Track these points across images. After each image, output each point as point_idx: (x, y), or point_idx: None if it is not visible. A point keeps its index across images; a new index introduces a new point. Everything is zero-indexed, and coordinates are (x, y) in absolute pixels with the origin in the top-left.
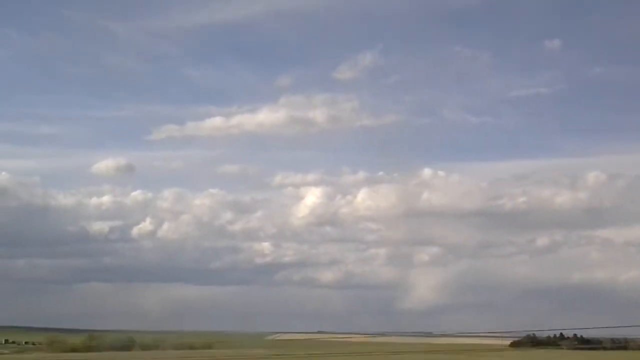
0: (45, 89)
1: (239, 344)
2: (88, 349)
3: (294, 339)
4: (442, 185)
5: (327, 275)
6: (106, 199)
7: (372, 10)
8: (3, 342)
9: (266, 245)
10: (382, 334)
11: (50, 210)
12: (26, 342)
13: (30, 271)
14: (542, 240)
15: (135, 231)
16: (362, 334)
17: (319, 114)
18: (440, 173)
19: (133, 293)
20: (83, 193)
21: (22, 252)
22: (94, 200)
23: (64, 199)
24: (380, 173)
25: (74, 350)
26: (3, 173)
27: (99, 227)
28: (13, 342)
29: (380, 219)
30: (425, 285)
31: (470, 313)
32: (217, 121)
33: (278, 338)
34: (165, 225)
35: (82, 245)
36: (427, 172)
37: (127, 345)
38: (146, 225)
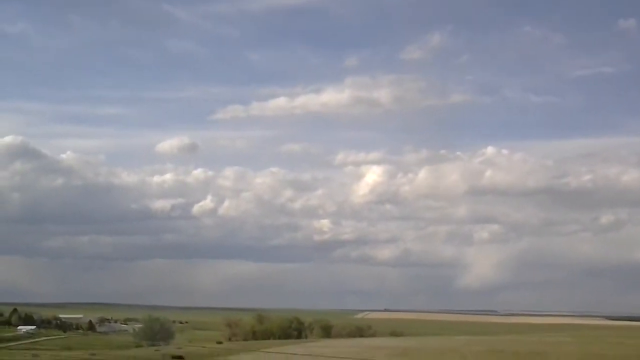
0: (110, 72)
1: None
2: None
3: (381, 317)
4: (506, 163)
5: (385, 253)
6: (169, 177)
7: None
8: None
9: (325, 223)
10: (446, 312)
11: (114, 189)
12: (173, 321)
13: (94, 248)
14: (607, 218)
15: (196, 209)
16: (425, 312)
17: (383, 94)
18: (504, 151)
19: (194, 270)
20: (146, 171)
21: (86, 230)
22: (157, 179)
23: (127, 177)
24: (443, 151)
25: (265, 335)
26: (69, 152)
27: (161, 205)
28: None
29: (441, 197)
30: (485, 263)
31: (531, 291)
32: (281, 101)
33: (366, 317)
34: (226, 203)
35: (145, 223)
36: (490, 150)
37: (297, 328)
38: (207, 202)
